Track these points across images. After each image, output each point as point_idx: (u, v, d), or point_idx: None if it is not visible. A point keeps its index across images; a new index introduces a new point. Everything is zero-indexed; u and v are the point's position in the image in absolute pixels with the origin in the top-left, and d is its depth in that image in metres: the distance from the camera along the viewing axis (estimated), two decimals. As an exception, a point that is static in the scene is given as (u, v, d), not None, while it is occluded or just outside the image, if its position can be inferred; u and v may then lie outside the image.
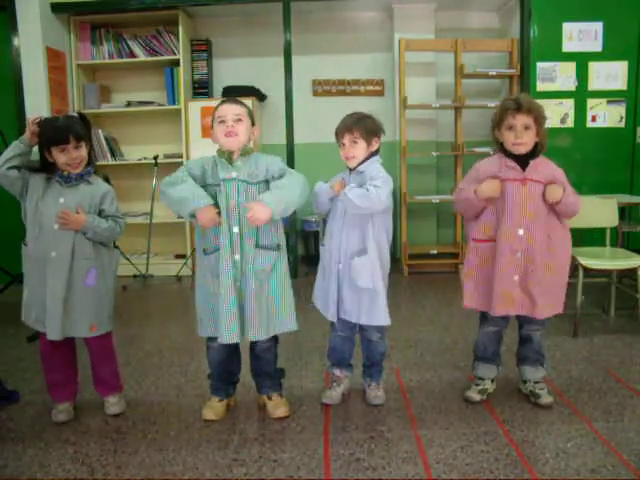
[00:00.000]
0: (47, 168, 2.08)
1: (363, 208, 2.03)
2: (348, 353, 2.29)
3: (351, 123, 2.11)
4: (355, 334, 2.27)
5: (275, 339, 2.18)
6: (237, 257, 2.00)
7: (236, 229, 1.99)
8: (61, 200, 2.06)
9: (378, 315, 2.13)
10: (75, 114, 2.17)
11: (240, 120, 2.03)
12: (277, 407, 2.17)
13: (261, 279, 2.04)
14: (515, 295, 2.10)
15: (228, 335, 1.98)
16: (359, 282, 2.10)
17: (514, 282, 2.09)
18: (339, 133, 2.14)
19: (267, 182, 2.06)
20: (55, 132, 2.04)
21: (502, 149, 2.14)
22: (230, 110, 2.03)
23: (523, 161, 2.09)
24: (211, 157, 2.07)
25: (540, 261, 2.08)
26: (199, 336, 2.13)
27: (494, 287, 2.10)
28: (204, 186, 2.02)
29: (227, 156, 2.03)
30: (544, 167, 2.11)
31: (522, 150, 2.08)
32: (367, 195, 2.00)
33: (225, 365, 2.16)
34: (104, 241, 2.15)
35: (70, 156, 2.04)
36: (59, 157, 2.04)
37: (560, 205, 2.05)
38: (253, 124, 2.09)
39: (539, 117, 2.06)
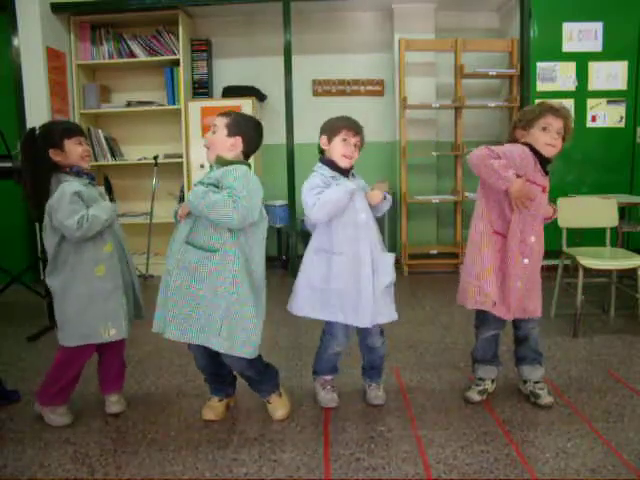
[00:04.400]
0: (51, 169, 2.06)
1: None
2: (338, 361, 2.28)
3: (361, 128, 2.12)
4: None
5: (250, 361, 2.01)
6: (174, 247, 2.02)
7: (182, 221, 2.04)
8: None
9: (393, 308, 2.17)
10: None
11: (214, 132, 2.04)
12: (276, 409, 2.16)
13: (187, 277, 1.94)
14: (515, 300, 2.11)
15: (155, 323, 2.00)
16: (391, 278, 2.13)
17: (517, 288, 2.10)
18: (348, 130, 2.08)
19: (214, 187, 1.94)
20: (74, 125, 2.16)
21: (531, 148, 2.09)
22: (213, 121, 2.07)
23: (544, 166, 2.09)
24: None
25: (536, 265, 2.14)
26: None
27: (502, 290, 2.11)
28: None
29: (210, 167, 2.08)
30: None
31: (553, 152, 2.07)
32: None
33: (212, 369, 2.14)
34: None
35: (85, 148, 2.09)
36: (76, 148, 2.06)
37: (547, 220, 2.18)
38: (233, 134, 2.00)
39: (569, 128, 2.07)
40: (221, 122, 2.02)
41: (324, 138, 2.13)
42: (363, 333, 2.19)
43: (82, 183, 2.07)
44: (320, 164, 2.14)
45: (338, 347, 2.20)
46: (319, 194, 2.02)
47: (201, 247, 1.94)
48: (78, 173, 2.08)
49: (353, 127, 2.09)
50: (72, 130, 2.09)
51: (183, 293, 1.95)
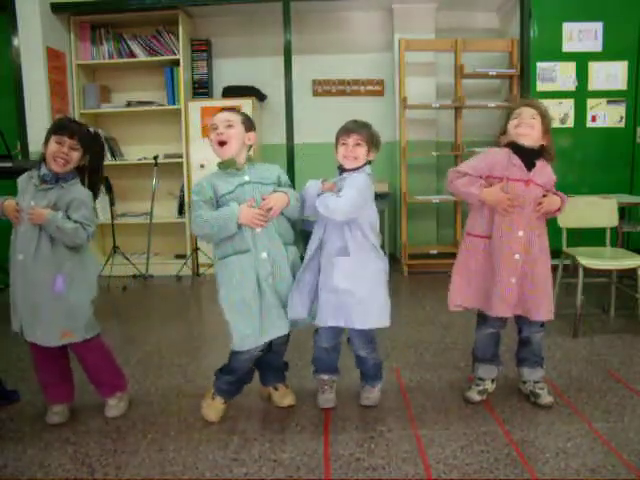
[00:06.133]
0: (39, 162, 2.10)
1: (325, 216, 2.03)
2: (334, 361, 2.27)
3: (359, 126, 2.10)
4: (340, 342, 2.23)
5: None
6: (264, 255, 2.01)
7: (258, 229, 2.01)
8: (32, 203, 2.04)
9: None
10: (92, 129, 2.19)
11: (231, 126, 2.05)
12: (284, 397, 2.24)
13: (282, 272, 2.06)
14: (512, 297, 2.10)
15: (281, 329, 2.04)
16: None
17: (512, 284, 2.09)
18: (344, 133, 2.10)
19: (277, 186, 2.12)
20: (60, 122, 2.11)
21: (509, 145, 2.14)
22: (222, 117, 2.07)
23: (529, 161, 2.10)
24: (215, 172, 2.09)
25: (535, 262, 2.10)
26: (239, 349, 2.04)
27: (493, 289, 2.11)
28: (218, 200, 2.03)
29: (233, 165, 2.06)
30: (545, 171, 2.13)
31: (526, 139, 2.09)
32: (327, 205, 2.00)
33: (246, 373, 2.18)
34: (67, 242, 2.05)
35: (60, 149, 2.03)
36: (51, 146, 2.05)
37: (557, 213, 2.15)
38: (249, 130, 2.10)
39: (543, 114, 2.10)
40: (235, 117, 2.08)
41: (335, 150, 2.16)
42: (351, 341, 2.19)
43: (28, 178, 2.10)
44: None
45: (326, 343, 2.19)
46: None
47: (285, 241, 2.12)
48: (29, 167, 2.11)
49: (345, 131, 2.11)
50: (60, 128, 2.06)
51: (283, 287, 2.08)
